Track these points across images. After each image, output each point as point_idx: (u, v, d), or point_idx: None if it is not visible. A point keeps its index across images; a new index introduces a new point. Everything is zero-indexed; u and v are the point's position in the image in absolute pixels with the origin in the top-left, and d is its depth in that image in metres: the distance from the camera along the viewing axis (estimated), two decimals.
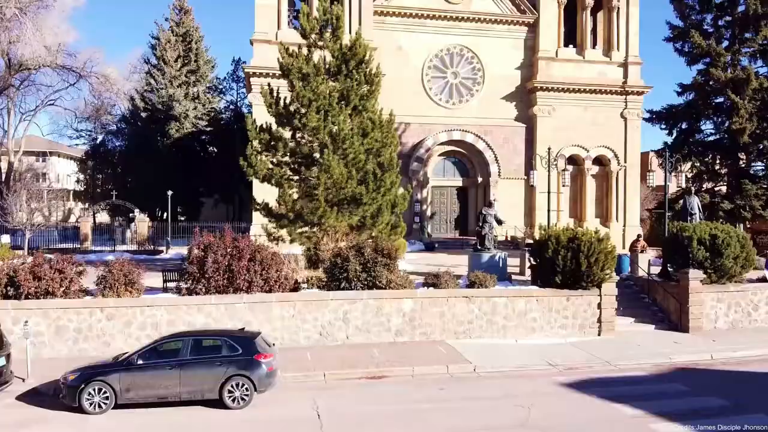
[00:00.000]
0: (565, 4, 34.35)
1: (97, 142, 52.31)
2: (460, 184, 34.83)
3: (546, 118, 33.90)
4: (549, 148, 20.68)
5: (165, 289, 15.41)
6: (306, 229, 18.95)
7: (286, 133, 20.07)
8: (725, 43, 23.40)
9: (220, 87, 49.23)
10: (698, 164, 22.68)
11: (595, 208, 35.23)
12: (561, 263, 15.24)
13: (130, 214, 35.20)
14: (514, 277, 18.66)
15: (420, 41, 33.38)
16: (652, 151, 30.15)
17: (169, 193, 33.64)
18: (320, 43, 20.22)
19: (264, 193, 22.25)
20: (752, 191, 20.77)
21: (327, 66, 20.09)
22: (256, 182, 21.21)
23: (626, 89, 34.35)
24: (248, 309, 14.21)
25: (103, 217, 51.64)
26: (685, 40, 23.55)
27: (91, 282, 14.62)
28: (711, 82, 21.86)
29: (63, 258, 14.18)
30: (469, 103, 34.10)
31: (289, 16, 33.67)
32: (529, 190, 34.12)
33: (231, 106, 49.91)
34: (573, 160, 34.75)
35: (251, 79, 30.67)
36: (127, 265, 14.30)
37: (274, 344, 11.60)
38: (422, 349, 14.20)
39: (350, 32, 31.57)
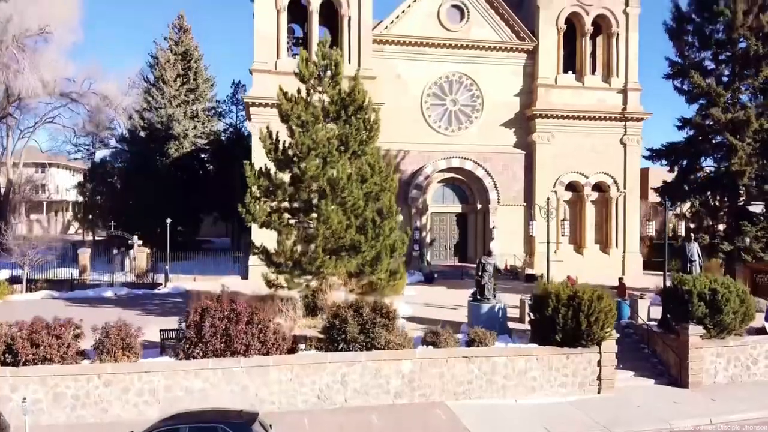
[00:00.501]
0: (565, 30, 34.39)
1: (96, 162, 52.27)
2: (459, 210, 34.78)
3: (545, 145, 33.87)
4: (548, 199, 20.68)
5: (162, 349, 15.34)
6: (305, 276, 18.88)
7: (285, 176, 20.05)
8: (725, 79, 23.31)
9: (220, 110, 49.21)
10: (698, 204, 22.57)
11: (594, 233, 35.18)
12: (561, 321, 15.19)
13: (129, 241, 35.09)
14: (513, 324, 18.59)
15: (419, 69, 33.35)
16: (652, 188, 30.08)
17: (168, 220, 33.55)
18: (319, 88, 20.23)
19: (262, 236, 22.15)
20: (752, 233, 20.70)
21: (325, 108, 20.09)
22: (254, 225, 21.14)
23: (626, 116, 34.37)
24: (245, 373, 14.15)
25: (104, 232, 51.49)
26: (685, 78, 23.49)
27: (89, 330, 14.26)
28: (711, 122, 21.78)
29: (60, 323, 14.10)
30: (468, 130, 34.06)
31: (288, 43, 33.67)
32: (529, 216, 34.06)
33: (230, 129, 49.83)
34: (572, 186, 34.75)
35: (251, 109, 30.61)
36: (124, 328, 14.22)
37: (271, 426, 11.53)
38: (421, 413, 14.14)
39: (350, 62, 31.77)
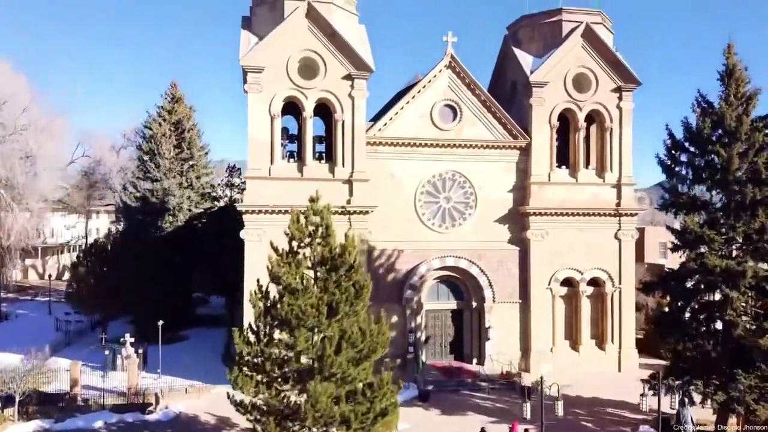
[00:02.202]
0: (558, 126, 34.44)
1: (89, 242, 52.17)
2: (454, 306, 34.51)
3: (540, 242, 33.76)
4: (542, 377, 20.35)
5: None
6: None
7: (276, 333, 19.88)
8: (719, 210, 23.23)
9: (214, 194, 49.07)
10: (692, 349, 22.41)
11: (590, 329, 34.98)
12: None
13: (121, 339, 34.72)
14: None
15: (412, 168, 33.33)
16: (646, 319, 29.93)
17: (160, 323, 33.33)
18: (309, 242, 20.11)
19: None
20: (746, 383, 20.51)
21: (314, 264, 19.96)
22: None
23: (620, 211, 34.35)
24: None
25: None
26: (679, 211, 23.47)
27: None
28: (706, 269, 21.65)
29: None
30: (462, 227, 33.95)
31: (283, 140, 33.55)
32: (525, 313, 33.91)
33: (226, 201, 49.57)
34: (568, 281, 34.59)
35: (245, 216, 30.47)
36: None
37: None
38: None
39: (343, 165, 31.73)
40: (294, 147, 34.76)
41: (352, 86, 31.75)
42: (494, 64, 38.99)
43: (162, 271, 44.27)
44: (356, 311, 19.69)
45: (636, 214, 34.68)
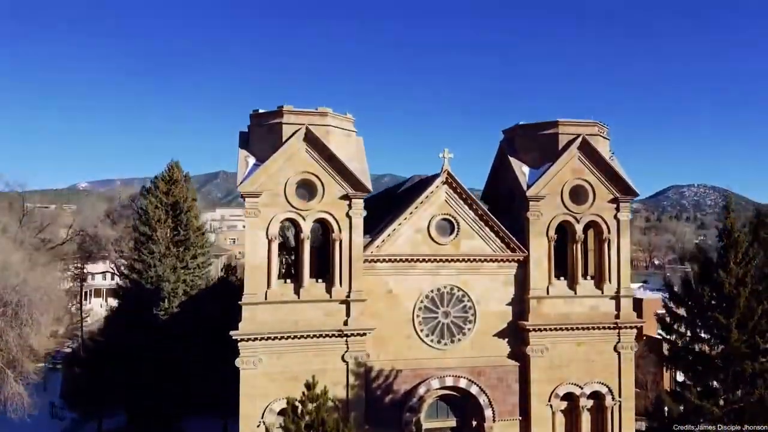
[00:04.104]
0: (556, 238, 34.35)
1: (81, 341, 51.77)
2: (454, 424, 33.92)
3: (539, 358, 33.44)
4: None
5: None
6: None
7: None
8: (718, 365, 23.13)
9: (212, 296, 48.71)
10: None
11: None
12: None
13: None
14: None
15: (410, 284, 33.04)
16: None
17: None
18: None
19: None
20: None
21: None
22: None
23: (619, 324, 34.13)
24: None
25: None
26: (678, 368, 23.34)
27: None
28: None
29: None
30: (462, 343, 33.60)
31: (280, 256, 33.26)
32: (525, 431, 33.49)
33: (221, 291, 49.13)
34: (568, 396, 34.21)
35: (239, 344, 30.03)
36: None
37: None
38: None
39: (341, 284, 31.42)
40: (290, 255, 34.53)
41: (349, 206, 31.61)
42: (490, 166, 38.99)
43: (158, 361, 43.95)
44: None
45: (634, 327, 34.43)
